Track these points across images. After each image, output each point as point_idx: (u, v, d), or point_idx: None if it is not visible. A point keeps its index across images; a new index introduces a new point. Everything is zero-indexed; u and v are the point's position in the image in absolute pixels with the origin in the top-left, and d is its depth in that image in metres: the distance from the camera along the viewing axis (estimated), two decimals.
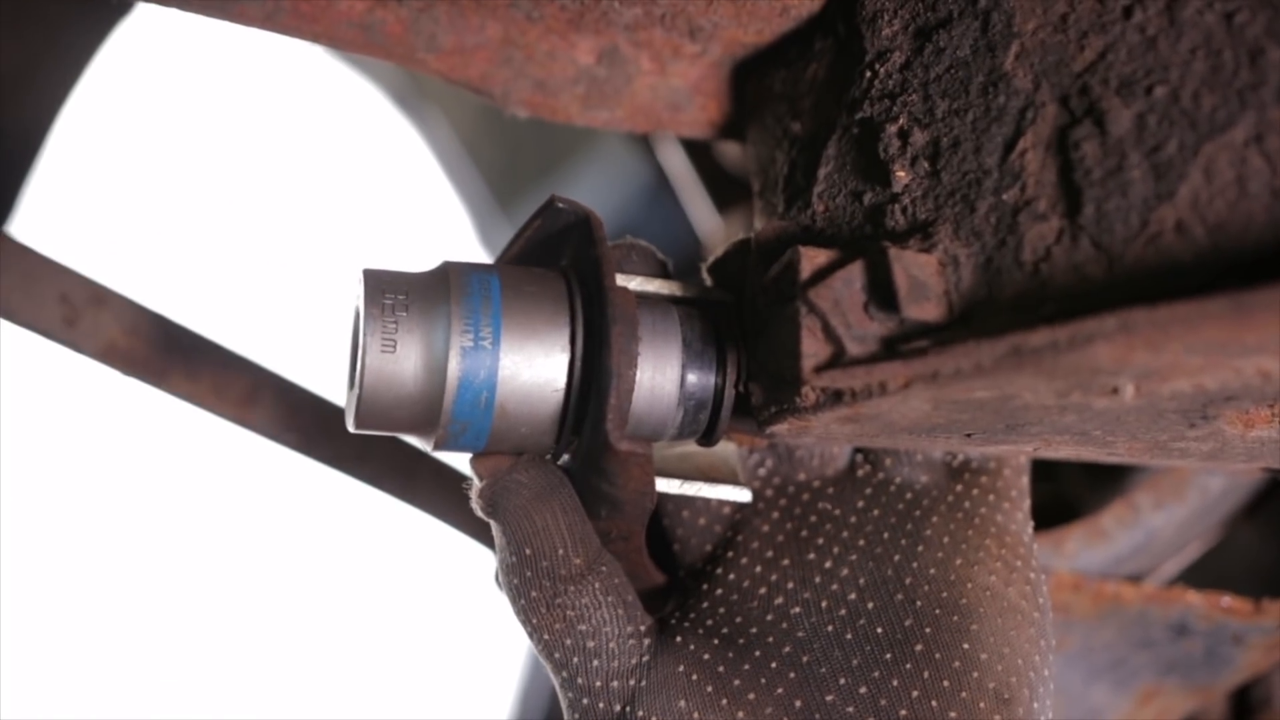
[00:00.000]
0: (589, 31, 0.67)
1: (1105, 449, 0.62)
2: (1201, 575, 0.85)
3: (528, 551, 0.60)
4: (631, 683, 0.61)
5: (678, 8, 0.65)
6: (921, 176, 0.58)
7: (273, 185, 2.17)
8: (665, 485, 0.64)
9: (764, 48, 0.69)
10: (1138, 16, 0.53)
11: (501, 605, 1.02)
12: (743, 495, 0.67)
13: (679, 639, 0.63)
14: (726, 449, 0.70)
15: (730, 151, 1.16)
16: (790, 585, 0.64)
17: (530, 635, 0.62)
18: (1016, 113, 0.56)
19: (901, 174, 0.58)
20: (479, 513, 0.62)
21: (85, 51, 1.05)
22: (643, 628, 0.63)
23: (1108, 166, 0.52)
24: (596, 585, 0.61)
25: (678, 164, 1.21)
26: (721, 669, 0.62)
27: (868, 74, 0.61)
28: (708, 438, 0.64)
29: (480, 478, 0.61)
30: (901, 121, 0.59)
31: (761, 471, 0.70)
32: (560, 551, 0.60)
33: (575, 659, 0.61)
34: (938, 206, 0.57)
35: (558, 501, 0.61)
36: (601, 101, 0.71)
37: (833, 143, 0.62)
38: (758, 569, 0.66)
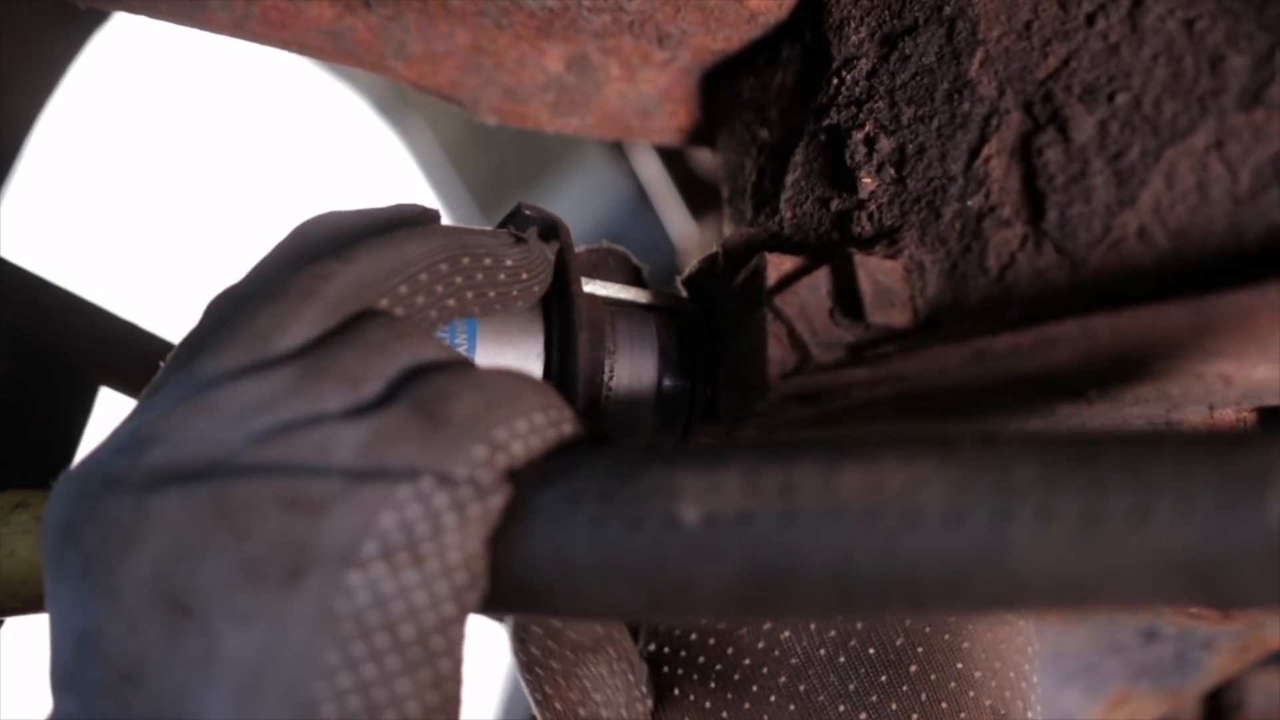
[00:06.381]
0: (558, 39, 0.67)
1: None
2: None
3: (556, 623, 0.58)
4: None
5: (646, 15, 0.65)
6: (887, 183, 0.58)
7: (255, 194, 2.17)
8: None
9: (732, 55, 0.69)
10: (1100, 24, 0.53)
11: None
12: None
13: (677, 691, 0.62)
14: None
15: (705, 158, 1.16)
16: None
17: (538, 704, 0.59)
18: (981, 119, 0.56)
19: (868, 181, 0.58)
20: None
21: (61, 60, 1.05)
22: (645, 687, 0.61)
23: (1071, 173, 0.52)
24: (612, 653, 0.60)
25: (653, 171, 1.21)
26: (725, 715, 0.60)
27: (835, 81, 0.61)
28: None
29: None
30: (868, 128, 0.59)
31: None
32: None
33: None
34: (903, 213, 0.57)
35: None
36: (571, 108, 0.71)
37: (800, 149, 0.62)
38: None
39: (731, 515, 0.40)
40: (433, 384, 0.45)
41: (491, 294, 0.53)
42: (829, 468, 0.40)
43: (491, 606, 0.45)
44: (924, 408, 0.56)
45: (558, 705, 0.58)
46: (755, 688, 0.61)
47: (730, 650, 0.62)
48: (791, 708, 0.60)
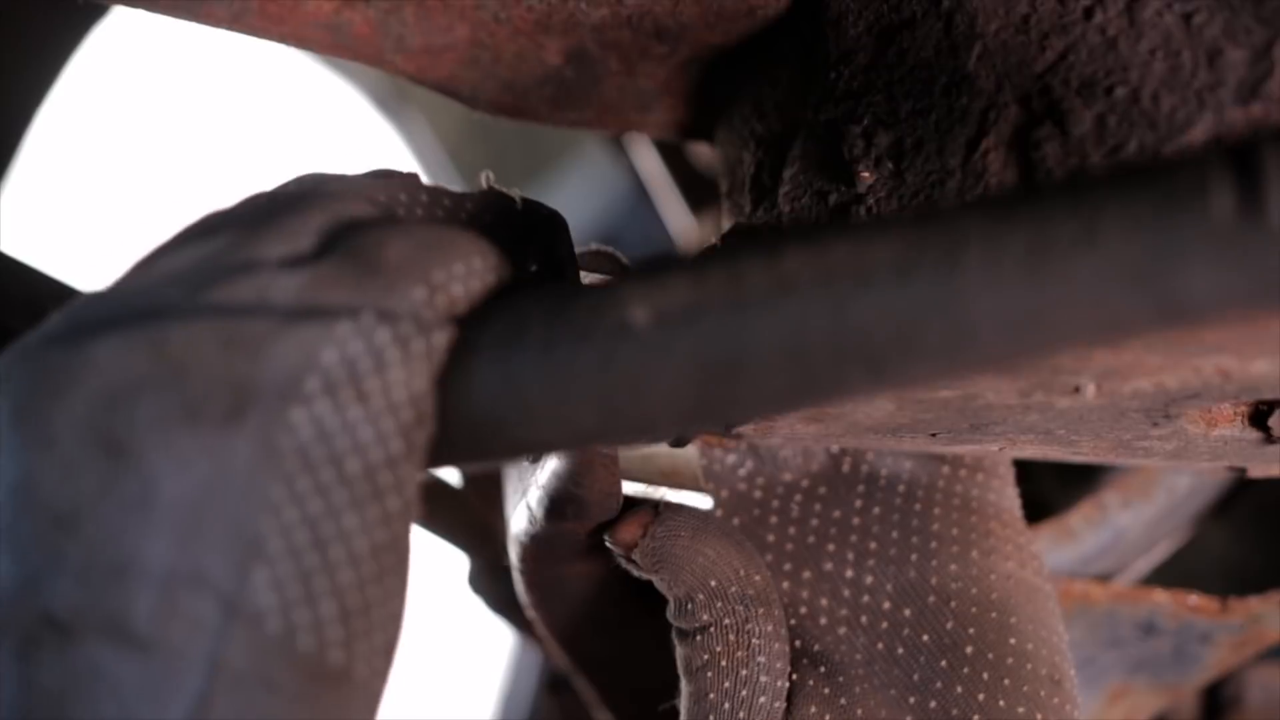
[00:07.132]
0: (557, 33, 0.67)
1: (1070, 448, 0.62)
2: (1170, 574, 0.85)
3: (713, 584, 0.58)
4: None
5: (645, 9, 0.65)
6: (886, 177, 0.58)
7: (253, 188, 2.17)
8: (630, 489, 0.64)
9: (731, 49, 0.69)
10: (1098, 17, 0.53)
11: (478, 605, 1.01)
12: (704, 501, 0.66)
13: (795, 676, 0.60)
14: (688, 452, 0.70)
15: (703, 153, 1.16)
16: (823, 601, 0.63)
17: (703, 662, 0.58)
18: (979, 113, 0.56)
19: (866, 174, 0.58)
20: (642, 574, 0.60)
21: (60, 55, 1.05)
22: (788, 663, 0.60)
23: (1069, 167, 0.52)
24: (777, 613, 0.59)
25: (652, 166, 1.21)
26: (844, 701, 0.60)
27: (832, 75, 0.61)
28: (680, 440, 0.64)
29: (625, 546, 0.60)
30: (866, 122, 0.59)
31: (742, 472, 0.68)
32: (741, 572, 0.59)
33: (744, 691, 0.57)
34: (902, 207, 0.57)
35: (713, 528, 0.60)
36: (570, 102, 0.71)
37: (798, 143, 0.62)
38: (784, 584, 0.64)
39: (680, 310, 0.40)
40: (366, 235, 0.44)
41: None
42: (773, 252, 0.39)
43: (444, 450, 0.44)
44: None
45: (724, 663, 0.57)
46: (839, 680, 0.60)
47: (813, 642, 0.62)
48: (873, 702, 0.60)
